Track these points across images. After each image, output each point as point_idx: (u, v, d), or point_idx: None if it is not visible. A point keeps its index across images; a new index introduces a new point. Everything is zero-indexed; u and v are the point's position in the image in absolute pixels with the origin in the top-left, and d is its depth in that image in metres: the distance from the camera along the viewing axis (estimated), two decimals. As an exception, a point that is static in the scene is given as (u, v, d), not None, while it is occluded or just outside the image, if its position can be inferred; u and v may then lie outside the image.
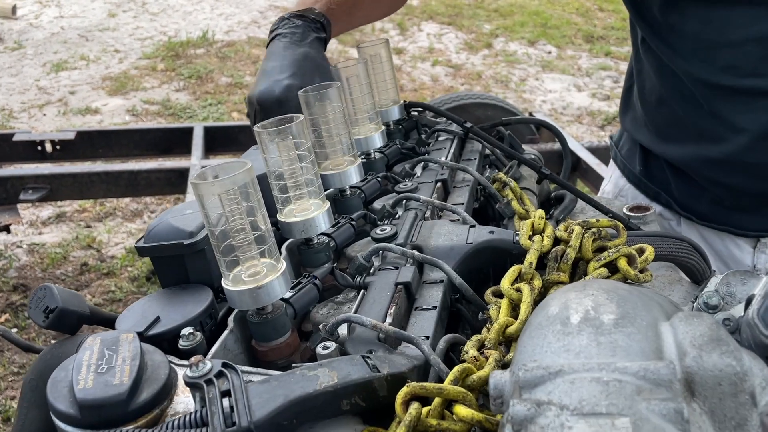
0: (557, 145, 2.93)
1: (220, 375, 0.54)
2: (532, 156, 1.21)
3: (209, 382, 0.54)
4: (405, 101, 1.20)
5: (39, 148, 3.24)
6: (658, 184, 1.23)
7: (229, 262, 0.66)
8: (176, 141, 3.36)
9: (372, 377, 0.56)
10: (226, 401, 0.52)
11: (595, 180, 2.81)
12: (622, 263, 0.70)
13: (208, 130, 3.32)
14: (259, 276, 0.66)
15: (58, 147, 3.26)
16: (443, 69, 5.83)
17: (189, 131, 3.32)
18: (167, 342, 0.66)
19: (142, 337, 0.64)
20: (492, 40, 6.49)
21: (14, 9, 6.55)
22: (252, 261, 0.67)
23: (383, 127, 1.07)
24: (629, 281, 0.69)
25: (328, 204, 0.80)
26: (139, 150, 3.39)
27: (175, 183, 2.96)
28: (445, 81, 5.62)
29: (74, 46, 5.96)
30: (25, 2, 6.88)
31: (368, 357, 0.59)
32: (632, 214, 1.00)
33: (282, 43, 1.01)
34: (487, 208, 1.06)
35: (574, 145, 3.08)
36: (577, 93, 5.51)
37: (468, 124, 1.15)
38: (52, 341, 2.82)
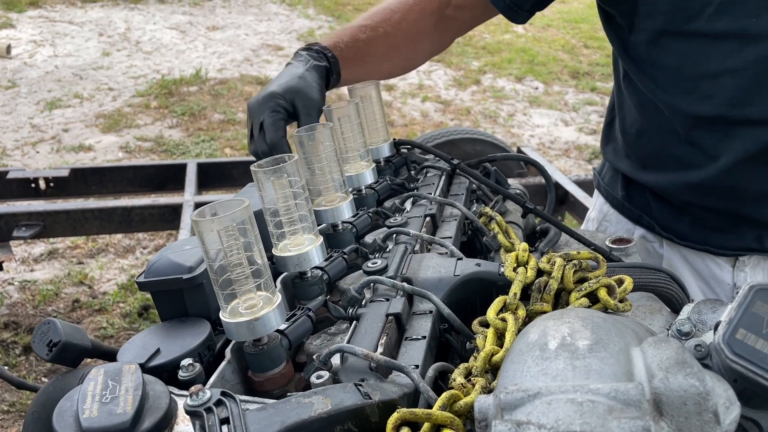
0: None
1: (219, 403, 0.57)
2: (518, 191, 1.26)
3: (209, 410, 0.56)
4: (394, 139, 1.24)
5: (33, 185, 3.27)
6: (639, 208, 1.28)
7: (227, 296, 0.69)
8: (169, 177, 3.40)
9: (364, 404, 0.59)
10: (225, 428, 0.55)
11: (583, 213, 2.85)
12: (602, 293, 0.73)
13: (201, 167, 3.36)
14: (256, 308, 0.69)
15: (51, 184, 3.29)
16: (433, 105, 5.93)
17: (182, 167, 3.35)
18: (167, 373, 0.68)
19: (144, 368, 0.66)
20: (480, 77, 6.62)
21: (9, 48, 6.64)
22: (249, 294, 0.70)
23: (374, 165, 1.11)
24: (609, 311, 0.72)
25: (321, 239, 0.84)
26: (132, 186, 3.42)
27: (168, 219, 2.98)
28: (435, 116, 5.71)
29: (68, 85, 6.03)
30: (20, 42, 6.97)
31: (360, 385, 0.61)
32: (614, 246, 1.04)
33: (286, 68, 1.15)
34: (474, 242, 1.09)
35: (561, 179, 3.11)
36: (565, 127, 5.62)
37: (455, 161, 1.19)
38: (43, 379, 2.80)
